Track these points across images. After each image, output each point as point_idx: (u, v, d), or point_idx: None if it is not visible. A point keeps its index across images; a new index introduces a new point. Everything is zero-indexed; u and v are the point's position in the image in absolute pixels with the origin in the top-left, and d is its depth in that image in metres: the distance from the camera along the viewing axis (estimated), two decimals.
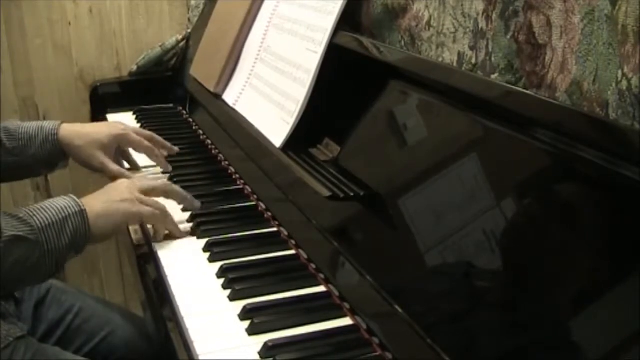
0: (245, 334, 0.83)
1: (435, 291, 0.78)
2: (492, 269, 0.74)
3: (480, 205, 0.76)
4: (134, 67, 1.91)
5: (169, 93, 1.86)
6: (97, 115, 1.85)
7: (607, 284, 0.62)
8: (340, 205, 0.96)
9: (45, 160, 1.28)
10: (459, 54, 1.01)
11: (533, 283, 0.68)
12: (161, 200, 1.10)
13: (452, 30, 1.02)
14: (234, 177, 1.31)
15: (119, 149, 1.35)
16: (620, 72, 0.72)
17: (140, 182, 1.11)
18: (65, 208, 0.97)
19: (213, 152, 1.46)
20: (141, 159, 1.39)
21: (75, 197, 1.00)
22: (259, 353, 0.79)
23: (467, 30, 0.98)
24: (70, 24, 1.94)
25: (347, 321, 0.85)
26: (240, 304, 0.87)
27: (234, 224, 1.10)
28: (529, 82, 0.87)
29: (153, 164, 1.37)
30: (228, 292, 0.91)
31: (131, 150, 1.38)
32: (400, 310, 0.78)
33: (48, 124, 1.28)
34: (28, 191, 1.94)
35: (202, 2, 1.97)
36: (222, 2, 1.65)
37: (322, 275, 0.94)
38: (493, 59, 0.93)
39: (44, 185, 1.96)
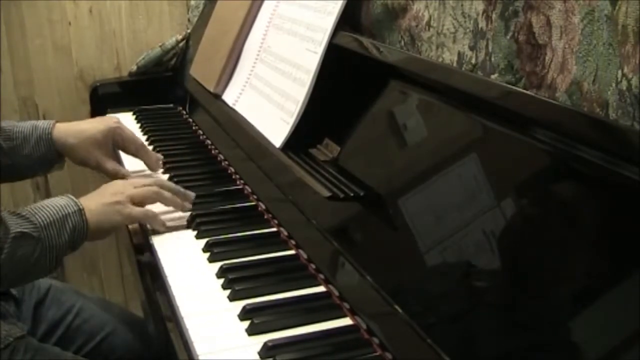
0: (245, 334, 0.83)
1: (435, 291, 0.78)
2: (492, 269, 0.74)
3: (480, 206, 0.76)
4: (134, 67, 1.91)
5: (168, 93, 1.86)
6: (97, 115, 1.85)
7: (607, 284, 0.62)
8: (340, 205, 0.96)
9: (40, 159, 1.27)
10: (458, 54, 1.01)
11: (533, 283, 0.68)
12: (155, 207, 1.11)
13: (452, 30, 1.02)
14: (233, 177, 1.31)
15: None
16: (620, 72, 0.72)
17: (134, 182, 1.13)
18: (65, 207, 1.00)
19: (213, 152, 1.46)
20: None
21: (73, 197, 1.03)
22: (259, 353, 0.79)
23: (467, 30, 0.98)
24: (70, 24, 1.94)
25: (347, 321, 0.85)
26: (240, 304, 0.87)
27: (234, 224, 1.10)
28: (529, 82, 0.87)
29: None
30: (228, 292, 0.91)
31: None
32: (400, 310, 0.78)
33: (42, 123, 1.27)
34: (28, 191, 1.94)
35: (202, 2, 1.97)
36: (222, 2, 1.65)
37: (322, 276, 0.94)
38: (493, 59, 0.93)
39: (43, 186, 1.96)
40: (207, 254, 1.01)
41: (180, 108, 1.80)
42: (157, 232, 1.10)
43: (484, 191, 0.76)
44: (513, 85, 0.88)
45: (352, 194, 0.95)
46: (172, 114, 1.78)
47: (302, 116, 1.16)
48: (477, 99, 0.82)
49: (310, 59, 1.17)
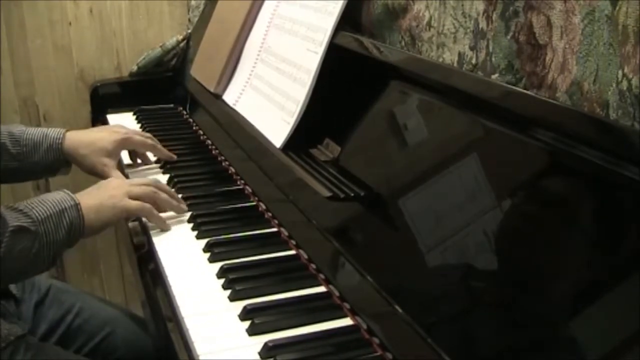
0: (246, 334, 0.83)
1: (436, 291, 0.78)
2: (492, 269, 0.74)
3: (481, 206, 0.76)
4: (134, 68, 1.91)
5: (169, 93, 1.86)
6: (98, 115, 1.85)
7: (608, 284, 0.62)
8: (340, 205, 0.96)
9: (48, 166, 1.29)
10: (459, 54, 1.01)
11: (533, 283, 0.68)
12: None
13: (453, 30, 1.02)
14: (234, 177, 1.31)
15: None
16: (620, 72, 0.72)
17: (131, 180, 1.15)
18: (61, 201, 1.01)
19: (213, 152, 1.46)
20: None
21: (69, 192, 1.03)
22: (259, 353, 0.79)
23: (468, 30, 0.98)
24: (70, 24, 1.94)
25: (347, 321, 0.85)
26: (240, 304, 0.87)
27: (235, 224, 1.10)
28: (529, 83, 0.87)
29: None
30: (228, 292, 0.91)
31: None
32: (400, 310, 0.78)
33: (52, 132, 1.28)
34: (28, 191, 1.94)
35: (202, 2, 1.97)
36: (222, 2, 1.65)
37: (322, 276, 0.94)
38: (493, 59, 0.93)
39: (44, 186, 1.96)
40: (208, 254, 1.01)
41: (181, 108, 1.80)
42: (157, 233, 1.10)
43: (484, 191, 0.76)
44: (513, 85, 0.88)
45: (352, 194, 0.95)
46: (172, 114, 1.78)
47: (302, 116, 1.16)
48: (478, 99, 0.82)
49: (310, 59, 1.17)
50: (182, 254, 1.03)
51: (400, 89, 0.99)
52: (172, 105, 1.84)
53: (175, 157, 1.38)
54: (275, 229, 1.09)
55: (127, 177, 1.33)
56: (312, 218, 1.01)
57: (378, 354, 0.78)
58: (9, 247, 0.93)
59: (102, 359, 1.22)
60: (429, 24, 1.08)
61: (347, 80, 1.12)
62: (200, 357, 0.79)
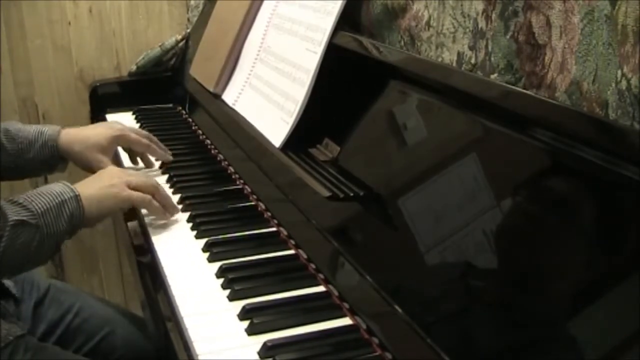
0: (245, 334, 0.83)
1: (435, 291, 0.78)
2: (492, 268, 0.74)
3: (480, 206, 0.76)
4: (134, 67, 1.91)
5: (168, 93, 1.86)
6: (97, 115, 1.85)
7: (607, 284, 0.62)
8: (339, 205, 0.96)
9: (44, 163, 1.29)
10: (458, 54, 1.01)
11: (533, 283, 0.68)
12: None
13: (452, 30, 1.02)
14: (233, 177, 1.31)
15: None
16: (619, 72, 0.72)
17: (131, 172, 1.16)
18: (61, 193, 1.01)
19: (212, 152, 1.46)
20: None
21: (68, 183, 1.04)
22: (259, 353, 0.79)
23: (467, 30, 0.98)
24: (70, 24, 1.94)
25: (346, 321, 0.85)
26: (239, 304, 0.87)
27: (234, 224, 1.10)
28: (529, 82, 0.87)
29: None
30: (227, 292, 0.91)
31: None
32: (400, 310, 0.78)
33: (48, 129, 1.28)
34: (27, 190, 1.93)
35: (202, 2, 1.97)
36: (221, 2, 1.65)
37: (321, 275, 0.94)
38: (492, 59, 0.93)
39: (43, 184, 1.96)
40: (207, 254, 1.01)
41: (180, 108, 1.80)
42: (156, 233, 1.09)
43: (483, 191, 0.76)
44: (513, 85, 0.88)
45: (352, 194, 0.95)
46: (171, 114, 1.78)
47: (301, 116, 1.16)
48: (477, 99, 0.82)
49: (309, 59, 1.17)
50: (181, 254, 1.03)
51: (400, 89, 0.99)
52: (171, 105, 1.84)
53: (171, 157, 1.37)
54: (274, 229, 1.09)
55: None
56: (311, 218, 1.01)
57: (377, 353, 0.78)
58: (9, 241, 0.93)
59: (101, 359, 1.22)
60: (428, 24, 1.08)
61: (346, 80, 1.12)
62: (200, 357, 0.79)
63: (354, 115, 1.06)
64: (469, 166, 0.80)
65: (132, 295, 2.07)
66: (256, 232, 1.08)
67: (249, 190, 1.23)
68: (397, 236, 0.87)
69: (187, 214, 1.14)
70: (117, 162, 1.39)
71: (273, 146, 1.18)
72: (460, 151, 0.83)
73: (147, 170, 1.37)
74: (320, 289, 0.92)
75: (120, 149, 1.40)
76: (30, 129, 1.28)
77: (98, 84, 1.91)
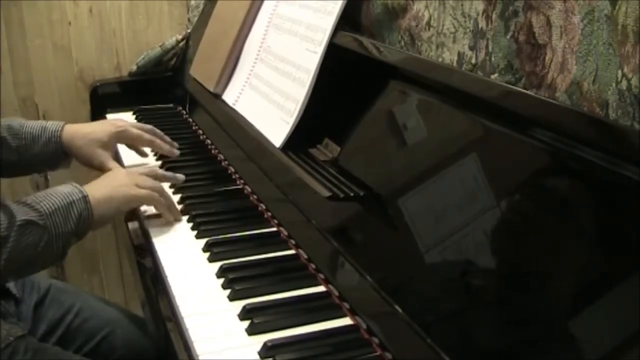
0: (245, 333, 0.83)
1: (435, 291, 0.78)
2: (492, 268, 0.74)
3: (480, 205, 0.76)
4: (134, 67, 1.91)
5: (168, 93, 1.86)
6: (97, 115, 1.85)
7: (608, 284, 0.62)
8: (340, 205, 0.96)
9: (47, 159, 1.29)
10: (458, 54, 1.01)
11: (533, 283, 0.68)
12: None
13: (452, 30, 1.02)
14: (233, 177, 1.31)
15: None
16: (620, 72, 0.72)
17: (138, 170, 1.16)
18: (69, 194, 1.01)
19: (213, 152, 1.46)
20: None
21: (77, 184, 1.04)
22: (259, 353, 0.79)
23: (467, 30, 0.98)
24: (70, 24, 1.94)
25: (346, 321, 0.85)
26: (239, 304, 0.87)
27: (234, 224, 1.10)
28: (529, 82, 0.87)
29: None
30: (228, 292, 0.91)
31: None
32: (400, 310, 0.78)
33: (51, 125, 1.29)
34: (28, 190, 1.94)
35: (202, 2, 1.97)
36: (222, 2, 1.65)
37: (321, 275, 0.94)
38: (493, 59, 0.93)
39: (43, 184, 1.96)
40: (207, 254, 1.01)
41: (180, 108, 1.80)
42: (157, 233, 1.09)
43: (483, 191, 0.76)
44: (513, 85, 0.88)
45: (352, 194, 0.95)
46: (172, 114, 1.78)
47: (302, 116, 1.16)
48: (477, 99, 0.82)
49: (310, 59, 1.17)
50: (182, 254, 1.03)
51: (400, 89, 0.99)
52: (171, 105, 1.84)
53: (178, 152, 1.38)
54: (274, 229, 1.09)
55: None
56: (311, 218, 1.01)
57: (377, 353, 0.78)
58: (17, 241, 0.93)
59: (101, 359, 1.22)
60: (428, 24, 1.08)
61: (347, 80, 1.12)
62: (200, 357, 0.79)
63: (354, 115, 1.06)
64: (469, 166, 0.80)
65: (132, 295, 2.07)
66: (256, 232, 1.08)
67: (249, 190, 1.23)
68: (397, 236, 0.87)
69: (187, 214, 1.14)
70: (117, 160, 1.39)
71: (273, 146, 1.18)
72: (461, 151, 0.83)
73: (148, 166, 1.37)
74: (321, 289, 0.92)
75: (122, 148, 1.40)
76: (34, 125, 1.28)
77: (98, 84, 1.91)
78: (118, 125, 1.33)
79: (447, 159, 0.85)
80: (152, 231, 1.10)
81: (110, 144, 1.31)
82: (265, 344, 0.79)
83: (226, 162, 1.38)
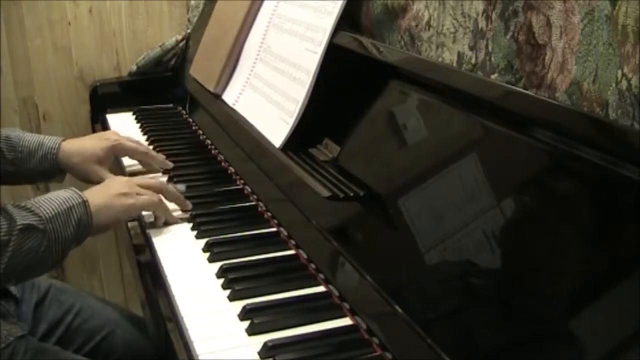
0: (245, 334, 0.83)
1: (435, 291, 0.78)
2: (492, 268, 0.74)
3: (480, 206, 0.76)
4: (134, 67, 1.91)
5: (168, 93, 1.86)
6: (97, 115, 1.85)
7: (607, 284, 0.62)
8: (339, 205, 0.96)
9: (42, 173, 1.30)
10: (458, 54, 1.01)
11: (533, 283, 0.68)
12: None
13: (452, 30, 1.02)
14: (233, 177, 1.31)
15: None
16: (620, 72, 0.72)
17: (138, 179, 1.15)
18: (69, 199, 1.01)
19: (213, 152, 1.46)
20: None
21: (76, 190, 1.03)
22: (259, 353, 0.79)
23: (467, 30, 0.98)
24: (70, 24, 1.94)
25: (346, 321, 0.85)
26: (239, 304, 0.87)
27: (234, 224, 1.10)
28: (529, 82, 0.87)
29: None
30: (228, 292, 0.91)
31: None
32: (400, 310, 0.78)
33: (49, 141, 1.28)
34: (28, 193, 1.94)
35: (202, 2, 1.97)
36: (221, 2, 1.65)
37: (321, 276, 0.94)
38: (493, 59, 0.93)
39: (44, 187, 1.96)
40: (207, 254, 1.01)
41: (180, 108, 1.80)
42: (157, 233, 1.10)
43: (483, 191, 0.76)
44: (513, 85, 0.88)
45: (352, 194, 0.95)
46: (172, 114, 1.78)
47: (302, 116, 1.16)
48: (477, 99, 0.82)
49: (310, 59, 1.17)
50: (182, 254, 1.03)
51: (400, 89, 0.99)
52: (171, 105, 1.84)
53: (171, 164, 1.36)
54: (274, 229, 1.09)
55: None
56: (311, 218, 1.01)
57: (377, 353, 0.78)
58: (17, 245, 0.93)
59: (101, 359, 1.22)
60: (428, 24, 1.08)
61: (347, 80, 1.12)
62: (200, 357, 0.79)
63: (354, 115, 1.06)
64: (469, 166, 0.80)
65: (132, 295, 2.07)
66: (256, 232, 1.08)
67: (249, 190, 1.23)
68: (397, 236, 0.87)
69: (187, 214, 1.14)
70: (117, 162, 1.39)
71: (273, 146, 1.18)
72: (460, 151, 0.83)
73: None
74: (321, 289, 0.92)
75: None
76: (31, 139, 1.28)
77: (98, 84, 1.91)
78: (112, 139, 1.33)
79: (447, 159, 0.85)
80: (152, 231, 1.10)
81: (106, 158, 1.31)
82: (265, 344, 0.79)
83: (226, 162, 1.38)
